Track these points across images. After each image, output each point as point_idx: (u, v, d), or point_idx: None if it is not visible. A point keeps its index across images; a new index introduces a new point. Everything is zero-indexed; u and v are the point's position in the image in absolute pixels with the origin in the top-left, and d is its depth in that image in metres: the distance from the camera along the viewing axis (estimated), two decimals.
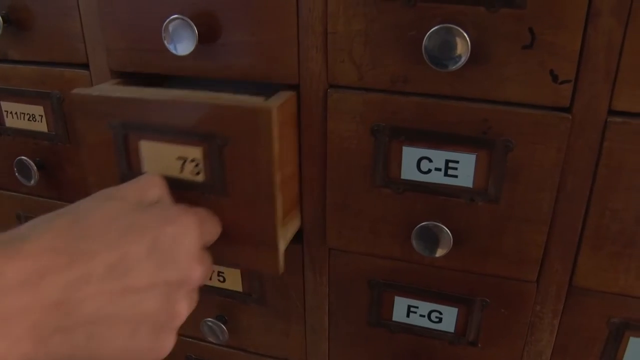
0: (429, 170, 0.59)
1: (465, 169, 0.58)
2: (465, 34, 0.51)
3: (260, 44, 0.59)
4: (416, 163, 0.59)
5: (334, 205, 0.63)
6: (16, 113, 0.76)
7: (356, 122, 0.59)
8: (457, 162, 0.58)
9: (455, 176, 0.58)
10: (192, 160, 0.54)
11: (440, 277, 0.64)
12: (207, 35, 0.60)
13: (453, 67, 0.52)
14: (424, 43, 0.52)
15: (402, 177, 0.60)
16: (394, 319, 0.68)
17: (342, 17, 0.55)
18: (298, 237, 0.66)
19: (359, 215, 0.63)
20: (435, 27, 0.51)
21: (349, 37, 0.56)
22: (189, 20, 0.57)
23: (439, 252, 0.59)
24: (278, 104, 0.53)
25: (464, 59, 0.51)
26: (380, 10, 0.54)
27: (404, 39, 0.55)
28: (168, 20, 0.58)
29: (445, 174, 0.58)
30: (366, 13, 0.55)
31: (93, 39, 0.67)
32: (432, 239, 0.59)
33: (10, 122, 0.77)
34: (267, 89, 0.65)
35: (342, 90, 0.58)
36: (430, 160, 0.58)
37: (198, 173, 0.55)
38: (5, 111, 0.77)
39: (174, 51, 0.59)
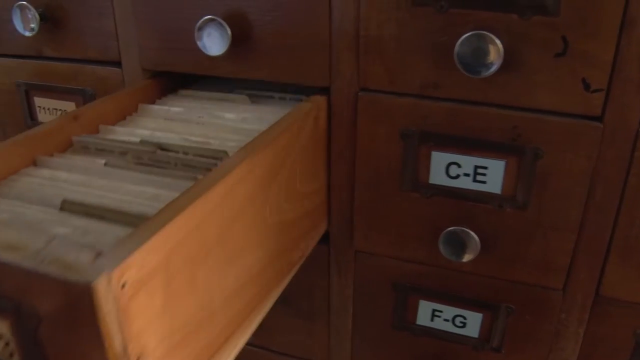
0: (458, 176, 0.59)
1: (494, 175, 0.58)
2: (497, 41, 0.51)
3: (292, 46, 0.60)
4: (445, 168, 0.59)
5: (362, 208, 0.64)
6: (49, 108, 0.78)
7: (386, 126, 0.59)
8: (486, 168, 0.58)
9: (484, 182, 0.58)
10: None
11: (466, 282, 0.64)
12: (240, 36, 0.60)
13: (485, 74, 0.52)
14: (456, 49, 0.52)
15: (431, 181, 0.60)
16: (417, 322, 0.69)
17: (375, 21, 0.56)
18: (324, 239, 0.67)
19: (386, 219, 0.63)
20: (468, 34, 0.51)
21: (381, 41, 0.56)
22: (222, 21, 0.58)
23: (466, 258, 0.59)
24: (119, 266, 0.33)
25: (496, 66, 0.52)
26: (413, 15, 0.54)
27: (435, 45, 0.55)
28: (202, 20, 0.59)
29: (474, 180, 0.59)
30: (398, 18, 0.55)
31: (126, 37, 0.68)
32: (459, 244, 0.59)
33: (42, 117, 0.79)
34: (298, 90, 0.66)
35: (372, 93, 0.59)
36: (459, 166, 0.58)
37: (11, 355, 0.38)
38: (38, 107, 0.78)
39: (206, 51, 0.60)
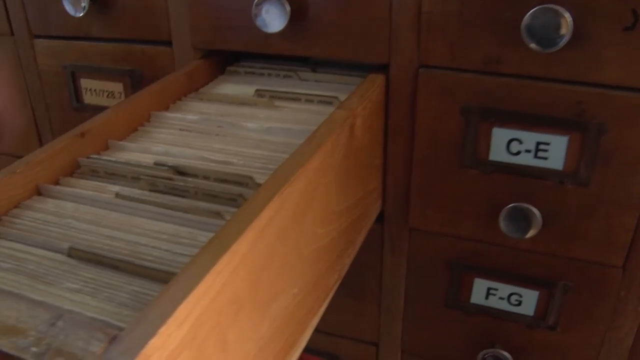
0: (519, 152, 0.58)
1: (556, 151, 0.57)
2: (567, 14, 0.50)
3: (350, 23, 0.59)
4: (506, 144, 0.58)
5: (420, 185, 0.64)
6: (95, 90, 0.78)
7: (446, 103, 0.59)
8: (548, 144, 0.57)
9: (545, 158, 0.58)
10: None
11: (523, 259, 0.64)
12: (297, 12, 0.60)
13: (554, 48, 0.51)
14: (525, 22, 0.51)
15: (490, 158, 0.60)
16: (471, 301, 0.68)
17: None
18: (379, 218, 0.66)
19: (443, 196, 0.63)
20: (538, 7, 0.51)
21: (443, 16, 0.56)
22: None
23: (530, 234, 0.59)
24: None
25: (565, 39, 0.51)
26: None
27: (499, 20, 0.54)
28: None
29: (535, 156, 0.58)
30: None
31: (178, 15, 0.68)
32: (524, 220, 0.58)
33: (88, 98, 0.79)
34: (354, 67, 0.65)
35: (433, 70, 0.58)
36: (520, 142, 0.58)
37: None
38: (84, 88, 0.78)
39: (264, 28, 0.59)
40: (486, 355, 0.68)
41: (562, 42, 0.51)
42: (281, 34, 0.60)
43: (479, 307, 0.69)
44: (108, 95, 0.77)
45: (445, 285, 0.69)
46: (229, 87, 0.65)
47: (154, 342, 0.28)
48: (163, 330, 0.29)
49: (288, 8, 0.58)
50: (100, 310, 0.36)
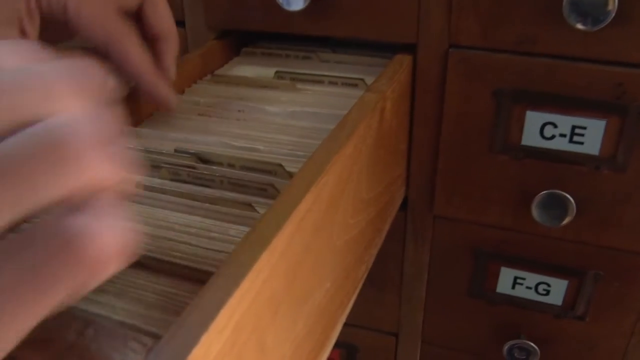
0: (553, 137, 0.56)
1: (592, 135, 0.55)
2: None
3: (376, 0, 0.56)
4: (539, 129, 0.56)
5: (446, 171, 0.61)
6: None
7: (477, 85, 0.56)
8: (585, 128, 0.55)
9: (581, 143, 0.55)
10: None
11: (552, 248, 0.62)
12: None
13: (599, 26, 0.48)
14: None
15: (523, 143, 0.57)
16: (497, 290, 0.66)
17: None
18: (402, 205, 0.64)
19: (471, 182, 0.61)
20: None
21: None
22: None
23: (565, 222, 0.56)
24: None
25: (611, 16, 0.48)
26: None
27: None
28: None
29: (570, 141, 0.55)
30: None
31: None
32: (560, 208, 0.56)
33: None
34: (378, 47, 0.62)
35: (464, 50, 0.55)
36: (555, 126, 0.55)
37: None
38: None
39: (286, 6, 0.56)
40: (513, 347, 0.66)
41: (607, 20, 0.48)
42: (303, 12, 0.57)
43: (504, 296, 0.66)
44: None
45: (469, 274, 0.67)
46: (247, 69, 0.61)
47: (196, 352, 0.25)
48: (205, 338, 0.26)
49: None
50: (128, 313, 0.33)
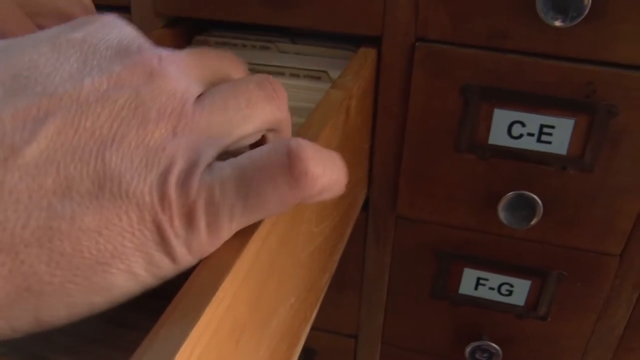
0: (521, 135, 0.54)
1: (560, 134, 0.53)
2: None
3: None
4: (507, 127, 0.54)
5: (410, 170, 0.58)
6: None
7: (444, 81, 0.53)
8: (553, 127, 0.53)
9: (549, 142, 0.54)
10: None
11: (516, 248, 0.60)
12: None
13: (574, 22, 0.46)
14: None
15: (490, 141, 0.55)
16: (460, 291, 0.64)
17: None
18: (363, 205, 0.61)
19: (435, 182, 0.58)
20: None
21: None
22: None
23: (533, 223, 0.55)
24: None
25: (586, 10, 0.46)
26: None
27: None
28: None
29: (538, 140, 0.54)
30: None
31: None
32: (528, 210, 0.54)
33: None
34: (340, 38, 0.59)
35: (432, 44, 0.52)
36: (523, 125, 0.53)
37: None
38: None
39: None
40: (475, 348, 0.64)
41: (583, 14, 0.46)
42: (260, 0, 0.53)
43: (467, 297, 0.65)
44: None
45: (432, 275, 0.65)
46: None
47: None
48: None
49: None
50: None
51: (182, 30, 0.60)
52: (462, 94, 0.53)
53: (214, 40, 0.60)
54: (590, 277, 0.60)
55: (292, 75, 0.53)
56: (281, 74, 0.54)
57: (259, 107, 0.27)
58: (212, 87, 0.28)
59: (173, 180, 0.23)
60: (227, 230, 0.25)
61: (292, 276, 0.39)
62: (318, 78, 0.53)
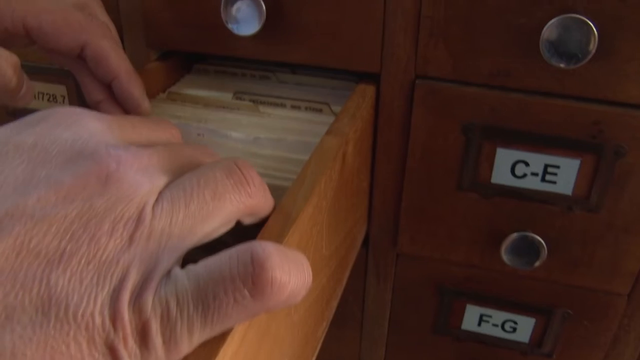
0: (524, 175, 0.52)
1: (566, 175, 0.51)
2: (592, 25, 0.44)
3: (336, 24, 0.51)
4: (511, 167, 0.52)
5: (411, 208, 0.57)
6: (36, 93, 0.67)
7: (446, 119, 0.52)
8: (558, 167, 0.51)
9: (554, 182, 0.52)
10: None
11: (520, 286, 0.59)
12: (274, 12, 0.51)
13: (577, 64, 0.45)
14: (544, 34, 0.44)
15: (493, 180, 0.53)
16: (463, 327, 0.63)
17: None
18: (363, 242, 0.59)
19: (437, 221, 0.57)
20: (561, 17, 0.44)
21: (446, 20, 0.48)
22: None
23: (537, 264, 0.53)
24: None
25: (591, 55, 0.44)
26: None
27: (510, 27, 0.47)
28: None
29: (543, 180, 0.52)
30: None
31: (129, 10, 0.58)
32: (532, 252, 0.53)
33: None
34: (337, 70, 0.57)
35: (432, 81, 0.51)
36: (527, 164, 0.52)
37: None
38: None
39: (236, 31, 0.50)
40: None
41: (586, 59, 0.44)
42: (256, 36, 0.51)
43: (470, 333, 0.63)
44: (49, 98, 0.66)
45: (434, 311, 0.63)
46: (201, 88, 0.55)
47: None
48: None
49: (264, 7, 0.49)
50: None
51: (175, 62, 0.58)
52: (463, 133, 0.52)
53: (213, 69, 0.58)
54: (597, 316, 0.58)
55: (294, 107, 0.52)
56: (282, 105, 0.52)
57: (226, 199, 0.26)
58: (179, 176, 0.26)
59: (126, 296, 0.21)
60: (188, 344, 0.23)
61: (284, 340, 0.37)
62: (319, 110, 0.51)
